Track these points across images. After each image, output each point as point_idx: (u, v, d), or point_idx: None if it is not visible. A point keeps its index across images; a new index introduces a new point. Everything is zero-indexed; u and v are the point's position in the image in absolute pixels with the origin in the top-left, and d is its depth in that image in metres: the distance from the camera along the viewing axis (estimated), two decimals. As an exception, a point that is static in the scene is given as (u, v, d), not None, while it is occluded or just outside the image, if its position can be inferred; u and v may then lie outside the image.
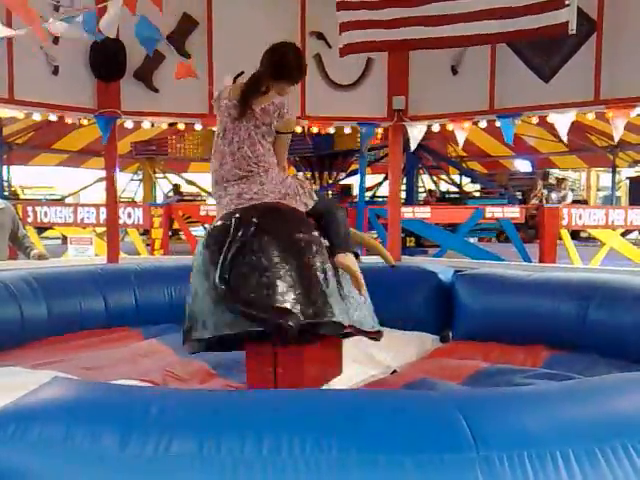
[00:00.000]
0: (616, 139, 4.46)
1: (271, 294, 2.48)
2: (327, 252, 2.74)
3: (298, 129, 5.08)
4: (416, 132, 4.97)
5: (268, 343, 2.75)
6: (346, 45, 4.19)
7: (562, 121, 4.36)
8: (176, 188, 15.11)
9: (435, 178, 14.61)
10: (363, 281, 2.79)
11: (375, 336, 3.01)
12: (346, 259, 2.77)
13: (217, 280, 2.52)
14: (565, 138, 4.43)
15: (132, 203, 13.45)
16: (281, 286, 2.50)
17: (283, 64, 2.80)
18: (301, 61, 2.90)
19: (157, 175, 15.55)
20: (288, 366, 2.78)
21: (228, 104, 2.84)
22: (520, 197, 13.90)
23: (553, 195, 13.07)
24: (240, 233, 2.57)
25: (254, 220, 2.60)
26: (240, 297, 2.50)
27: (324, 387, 2.85)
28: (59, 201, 13.98)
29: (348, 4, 4.20)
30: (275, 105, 2.79)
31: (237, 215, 2.65)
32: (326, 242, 2.78)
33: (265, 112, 2.79)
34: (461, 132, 4.83)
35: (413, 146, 5.05)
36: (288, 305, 2.48)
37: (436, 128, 5.14)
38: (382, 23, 4.16)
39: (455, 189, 14.67)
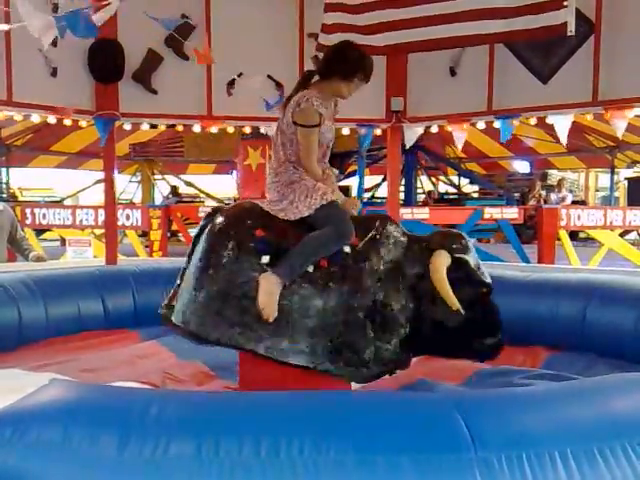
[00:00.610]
0: (620, 136, 4.43)
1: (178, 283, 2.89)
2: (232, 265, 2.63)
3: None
4: (411, 132, 4.98)
5: None
6: (324, 45, 4.23)
7: (562, 123, 4.35)
8: (174, 190, 15.05)
9: (434, 179, 14.57)
10: (265, 307, 2.54)
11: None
12: (264, 279, 2.56)
13: None
14: (565, 141, 4.41)
15: (130, 205, 13.41)
16: (179, 278, 2.88)
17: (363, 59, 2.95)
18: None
19: (155, 177, 15.52)
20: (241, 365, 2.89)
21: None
22: (519, 198, 13.88)
23: (552, 196, 13.02)
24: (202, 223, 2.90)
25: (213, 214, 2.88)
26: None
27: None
28: (58, 203, 13.92)
29: (337, 7, 4.22)
30: (299, 96, 2.73)
31: (212, 209, 2.96)
32: (266, 258, 2.60)
33: (290, 104, 2.76)
34: (460, 134, 4.83)
35: (408, 144, 5.06)
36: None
37: (435, 129, 5.14)
38: (374, 27, 4.17)
39: (454, 190, 14.63)
